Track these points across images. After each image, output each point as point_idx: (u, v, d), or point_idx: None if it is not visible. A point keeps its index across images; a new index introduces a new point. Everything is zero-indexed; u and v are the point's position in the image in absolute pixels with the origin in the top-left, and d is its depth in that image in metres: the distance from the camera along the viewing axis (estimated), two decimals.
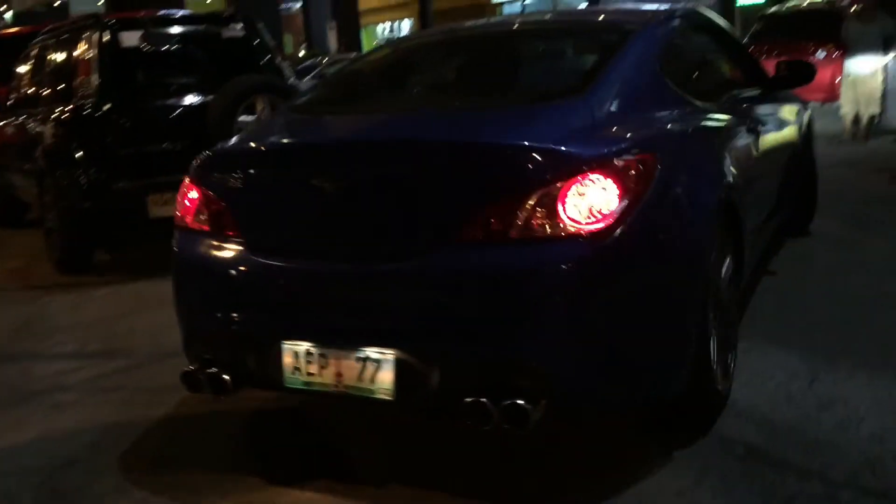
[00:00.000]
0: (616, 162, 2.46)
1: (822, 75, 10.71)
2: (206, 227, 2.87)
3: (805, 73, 4.06)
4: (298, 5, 36.97)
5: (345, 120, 3.24)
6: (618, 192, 2.40)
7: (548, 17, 5.05)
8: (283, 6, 39.62)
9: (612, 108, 2.75)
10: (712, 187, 2.92)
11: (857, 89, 8.85)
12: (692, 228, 2.70)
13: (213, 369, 2.75)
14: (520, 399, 2.33)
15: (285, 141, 3.14)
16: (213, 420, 3.29)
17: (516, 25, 4.14)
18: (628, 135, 2.65)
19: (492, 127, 2.69)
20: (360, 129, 3.08)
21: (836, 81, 9.54)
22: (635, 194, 2.44)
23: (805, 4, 12.04)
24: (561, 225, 2.37)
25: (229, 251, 2.78)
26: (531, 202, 2.38)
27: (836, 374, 3.14)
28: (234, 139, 3.16)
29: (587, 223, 2.37)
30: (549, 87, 3.24)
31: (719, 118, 3.33)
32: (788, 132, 4.47)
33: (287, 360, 2.62)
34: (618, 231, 2.39)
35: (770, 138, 3.96)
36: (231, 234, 2.79)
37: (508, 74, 3.64)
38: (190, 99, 5.79)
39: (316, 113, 3.38)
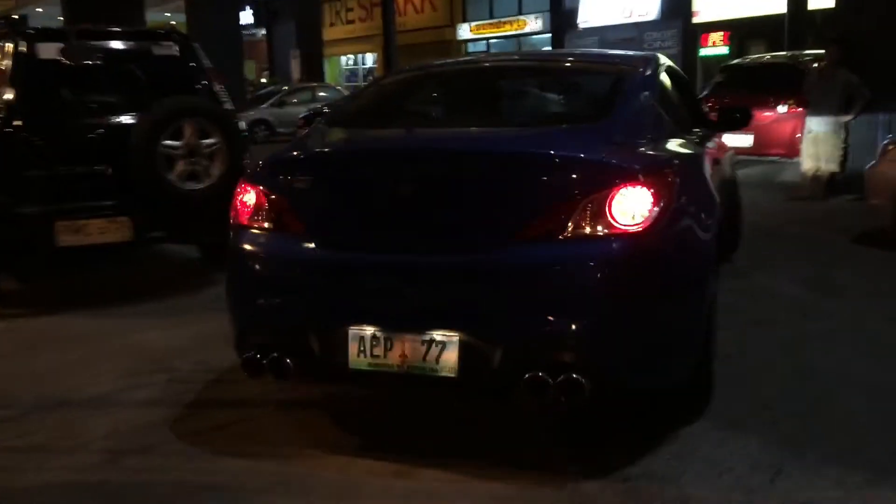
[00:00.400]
0: (649, 174, 2.89)
1: (783, 130, 10.70)
2: (269, 225, 3.18)
3: (743, 117, 4.47)
4: (263, 32, 36.61)
5: (402, 132, 3.65)
6: (652, 199, 2.83)
7: (555, 55, 5.75)
8: (248, 32, 39.31)
9: (631, 132, 3.23)
10: (712, 199, 3.48)
11: (818, 146, 8.69)
12: (704, 232, 3.20)
13: (275, 354, 3.01)
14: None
15: (356, 148, 3.49)
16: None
17: (532, 61, 4.79)
18: (651, 152, 3.18)
19: (547, 141, 3.18)
20: (427, 139, 3.47)
21: (797, 137, 9.38)
22: (665, 202, 2.87)
23: (768, 58, 11.86)
24: (608, 226, 2.80)
25: (296, 246, 3.08)
26: (583, 206, 2.81)
27: (803, 468, 2.77)
28: (291, 146, 3.59)
29: (630, 225, 2.80)
30: (573, 113, 3.82)
31: (700, 147, 3.90)
32: (729, 167, 5.28)
33: (352, 343, 2.91)
34: (653, 232, 2.82)
35: (722, 170, 4.63)
36: (297, 230, 3.10)
37: (533, 101, 4.15)
38: (112, 119, 5.32)
39: (362, 125, 3.80)
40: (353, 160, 3.28)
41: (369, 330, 2.90)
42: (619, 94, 3.51)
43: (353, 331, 2.91)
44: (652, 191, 2.84)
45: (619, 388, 2.94)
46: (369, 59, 30.33)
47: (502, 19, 24.42)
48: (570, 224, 2.81)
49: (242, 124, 6.14)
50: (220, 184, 5.29)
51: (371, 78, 29.77)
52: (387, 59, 21.23)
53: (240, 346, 3.16)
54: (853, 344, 4.01)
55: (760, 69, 11.14)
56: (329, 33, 31.34)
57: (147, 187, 5.13)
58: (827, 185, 8.77)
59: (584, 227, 2.81)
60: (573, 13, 21.88)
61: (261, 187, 3.22)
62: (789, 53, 11.81)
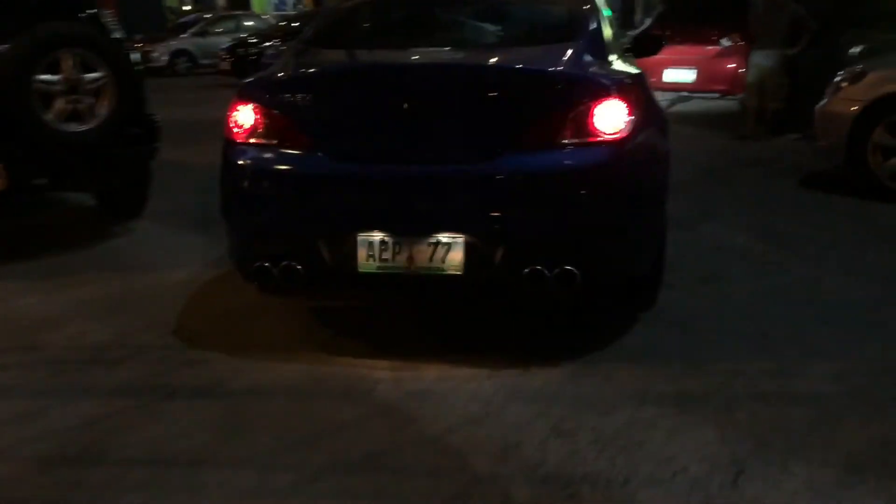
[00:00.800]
0: (622, 89, 3.28)
1: (726, 65, 10.27)
2: (273, 141, 3.36)
3: (654, 45, 4.50)
4: None
5: (401, 51, 3.80)
6: (627, 111, 3.20)
7: None
8: None
9: (595, 52, 3.61)
10: (662, 111, 3.95)
11: (763, 81, 8.32)
12: (664, 139, 3.64)
13: (286, 262, 3.23)
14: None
15: (362, 66, 3.79)
16: None
17: None
18: (619, 70, 3.57)
19: (535, 59, 3.53)
20: (429, 56, 3.70)
21: (741, 72, 9.00)
22: (635, 113, 3.24)
23: None
24: (594, 134, 3.18)
25: (305, 160, 3.31)
26: (570, 117, 3.18)
27: (768, 464, 2.40)
28: (281, 65, 3.75)
29: (610, 133, 3.18)
30: (541, 36, 3.99)
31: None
32: None
33: (361, 249, 3.19)
34: (629, 139, 3.20)
35: None
36: (304, 145, 3.32)
37: (498, 23, 4.26)
38: None
39: (349, 46, 4.02)
40: (359, 78, 3.55)
41: (378, 235, 3.20)
42: (576, 19, 3.89)
43: (362, 237, 3.19)
44: (626, 104, 3.22)
45: (603, 277, 3.33)
46: None
47: None
48: (560, 133, 3.19)
49: (136, 56, 5.41)
50: (109, 124, 4.66)
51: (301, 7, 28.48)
52: None
53: (245, 258, 3.40)
54: (814, 308, 3.64)
55: (705, 0, 10.67)
56: None
57: (20, 128, 4.45)
58: (771, 123, 8.45)
59: (572, 136, 3.19)
60: None
61: (262, 105, 3.39)
62: None
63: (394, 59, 3.68)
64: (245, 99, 3.42)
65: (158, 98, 5.90)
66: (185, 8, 35.18)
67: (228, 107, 3.48)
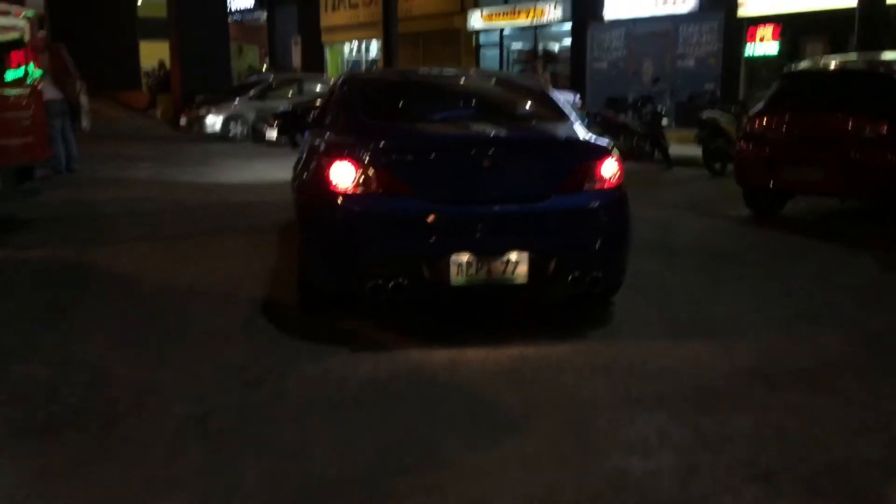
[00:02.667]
0: (612, 150, 5.00)
1: (876, 165, 7.69)
2: (378, 191, 4.62)
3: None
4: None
5: (465, 125, 5.32)
6: (618, 166, 4.91)
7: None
8: (252, 16, 36.94)
9: (581, 126, 5.41)
10: None
11: None
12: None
13: (397, 280, 4.54)
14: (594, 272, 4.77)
15: (447, 138, 5.08)
16: None
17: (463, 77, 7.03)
18: (602, 138, 5.34)
19: (561, 132, 5.23)
20: (488, 128, 5.17)
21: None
22: (621, 167, 4.97)
23: (848, 62, 8.73)
24: (604, 182, 4.85)
25: (405, 202, 4.59)
26: (590, 170, 4.83)
27: None
28: (378, 134, 4.96)
29: (612, 181, 4.87)
30: (539, 114, 5.74)
31: None
32: None
33: (453, 267, 4.54)
34: (621, 184, 4.93)
35: None
36: (403, 192, 4.62)
37: (501, 105, 5.98)
38: None
39: (399, 118, 5.54)
40: (445, 146, 4.88)
41: (465, 256, 4.55)
42: (555, 102, 5.77)
43: (454, 258, 4.53)
44: (616, 160, 4.94)
45: (615, 280, 5.03)
46: (374, 47, 27.76)
47: (517, 7, 21.86)
48: (585, 182, 4.82)
49: None
50: None
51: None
52: (387, 49, 18.73)
53: (360, 279, 4.59)
54: None
55: (838, 78, 8.45)
56: (331, 18, 29.12)
57: None
58: None
59: (592, 183, 4.82)
60: (598, 3, 19.22)
61: (361, 163, 4.63)
62: (872, 57, 9.12)
63: (468, 132, 5.13)
64: (351, 158, 4.65)
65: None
66: (264, 69, 34.77)
67: (325, 164, 4.77)
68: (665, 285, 6.01)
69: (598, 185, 4.78)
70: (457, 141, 4.91)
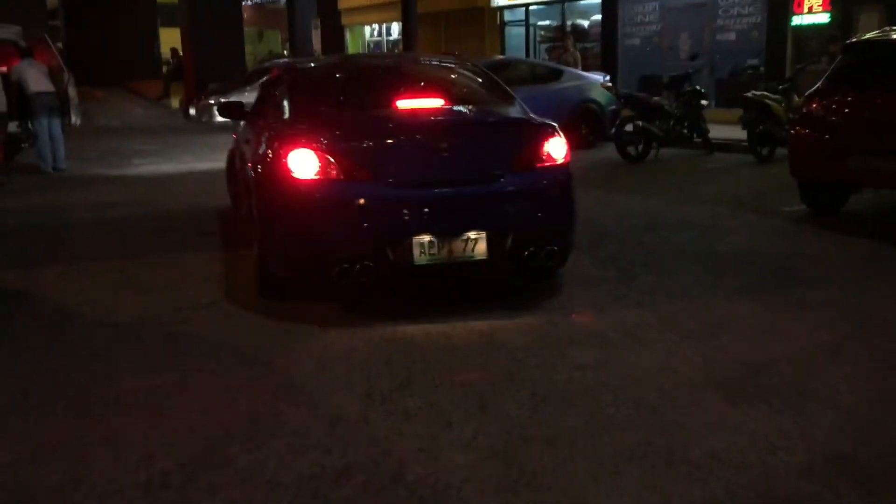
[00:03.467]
0: (557, 129, 5.26)
1: None
2: (340, 177, 4.73)
3: None
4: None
5: (392, 111, 5.29)
6: (564, 144, 5.20)
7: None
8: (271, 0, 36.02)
9: (525, 108, 5.68)
10: None
11: None
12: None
13: (363, 262, 4.71)
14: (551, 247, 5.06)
15: (397, 119, 5.16)
16: None
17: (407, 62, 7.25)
18: (547, 119, 5.51)
19: (512, 112, 5.54)
20: (436, 115, 5.31)
21: None
22: (568, 145, 5.26)
23: None
24: (553, 160, 5.11)
25: (367, 188, 4.73)
26: (538, 149, 5.08)
27: None
28: (334, 121, 5.20)
29: (561, 159, 5.15)
30: (487, 98, 5.94)
31: None
32: None
33: (416, 248, 4.73)
34: (568, 162, 5.21)
35: None
36: (364, 178, 4.75)
37: (449, 90, 6.02)
38: None
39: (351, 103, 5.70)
40: (402, 131, 4.98)
41: (427, 238, 4.74)
42: (501, 85, 6.10)
43: (416, 239, 4.72)
44: (563, 138, 5.22)
45: (567, 252, 5.26)
46: (395, 29, 26.60)
47: None
48: (533, 161, 5.07)
49: None
50: None
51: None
52: (406, 30, 17.57)
53: (327, 264, 4.74)
54: None
55: None
56: (350, 0, 27.71)
57: None
58: None
59: (541, 161, 5.08)
60: None
61: (320, 151, 4.73)
62: None
63: (414, 114, 5.23)
64: (308, 146, 4.77)
65: None
66: (284, 53, 33.80)
67: (284, 153, 4.82)
68: (711, 318, 4.81)
69: (547, 164, 5.10)
70: (413, 126, 5.04)
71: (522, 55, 20.73)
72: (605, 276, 5.78)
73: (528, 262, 5.00)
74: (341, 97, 5.72)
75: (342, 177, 4.69)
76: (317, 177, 4.69)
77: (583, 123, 13.20)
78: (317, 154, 4.70)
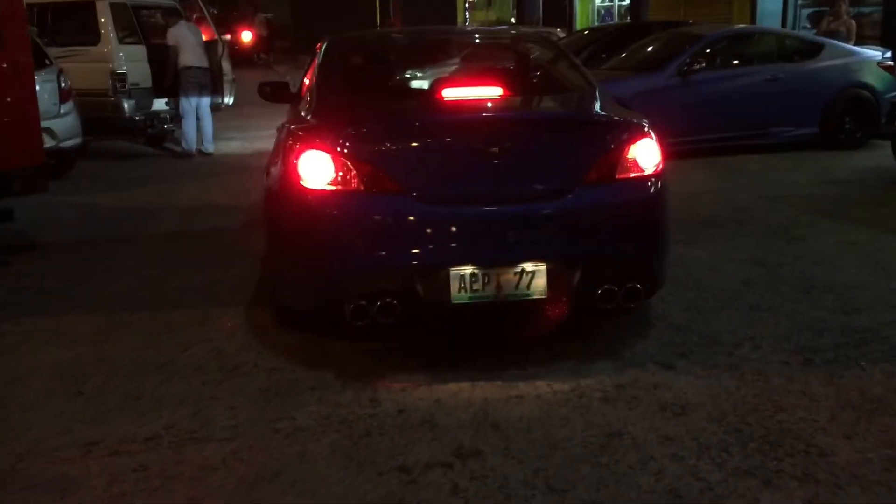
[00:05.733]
0: (648, 129, 4.00)
1: None
2: (360, 188, 3.68)
3: None
4: None
5: (470, 102, 4.18)
6: (657, 148, 3.95)
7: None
8: None
9: (605, 98, 4.47)
10: None
11: None
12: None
13: (384, 299, 3.62)
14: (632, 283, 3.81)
15: (438, 114, 4.10)
16: None
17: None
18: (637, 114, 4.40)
19: (583, 107, 4.44)
20: (504, 109, 4.23)
21: None
22: (663, 150, 4.02)
23: None
24: (640, 170, 3.89)
25: (394, 203, 3.67)
26: (622, 155, 3.86)
27: None
28: (362, 115, 4.10)
29: (651, 168, 3.91)
30: (558, 84, 4.91)
31: None
32: None
33: (454, 282, 3.64)
34: (661, 172, 3.97)
35: None
36: (391, 189, 3.68)
37: (511, 74, 5.17)
38: None
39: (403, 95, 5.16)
40: (444, 130, 3.85)
41: (468, 269, 3.65)
42: (578, 66, 4.88)
43: (455, 271, 3.64)
44: (657, 141, 3.96)
45: (654, 291, 4.09)
46: None
47: None
48: (614, 170, 3.83)
49: None
50: None
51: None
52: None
53: (338, 299, 3.66)
54: None
55: None
56: None
57: None
58: None
59: (624, 172, 3.85)
60: None
61: (343, 154, 3.68)
62: None
63: (472, 110, 4.06)
64: (323, 146, 3.71)
65: None
66: (512, 21, 31.96)
67: (293, 154, 3.80)
68: None
69: (632, 174, 3.90)
70: (458, 123, 3.98)
71: (777, 24, 17.26)
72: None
73: (602, 302, 3.80)
74: (377, 83, 4.95)
75: (363, 187, 3.70)
76: (331, 186, 3.71)
77: (847, 115, 10.00)
78: (333, 158, 3.71)
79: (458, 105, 4.16)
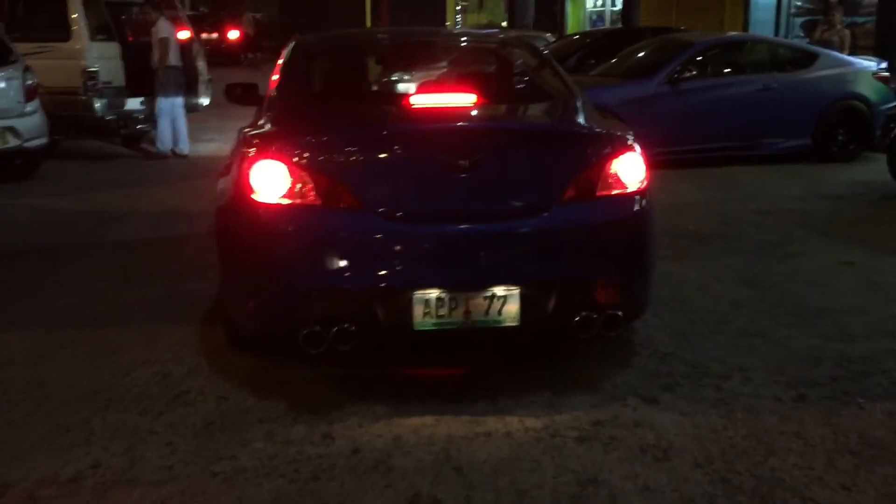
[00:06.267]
0: (633, 142, 3.67)
1: None
2: (316, 202, 3.36)
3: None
4: None
5: (439, 108, 3.81)
6: (643, 163, 3.62)
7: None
8: None
9: (587, 109, 4.11)
10: None
11: None
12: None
13: (341, 325, 3.29)
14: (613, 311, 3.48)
15: (404, 123, 3.77)
16: None
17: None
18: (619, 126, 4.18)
19: (564, 117, 4.14)
20: (478, 117, 3.84)
21: None
22: (648, 165, 3.67)
23: None
24: (623, 186, 3.56)
25: (353, 219, 3.37)
26: (602, 169, 3.54)
27: None
28: (321, 123, 3.77)
29: (635, 185, 3.58)
30: (536, 92, 4.71)
31: None
32: None
33: (417, 306, 3.32)
34: (646, 190, 3.64)
35: None
36: (349, 204, 3.37)
37: (486, 79, 4.91)
38: None
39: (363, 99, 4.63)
40: (409, 140, 3.54)
41: (433, 293, 3.32)
42: (559, 72, 4.48)
43: (418, 295, 3.31)
44: (641, 155, 3.66)
45: (635, 318, 3.81)
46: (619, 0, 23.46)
47: None
48: (595, 187, 3.52)
49: None
50: None
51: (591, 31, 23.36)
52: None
53: (291, 324, 3.33)
54: None
55: None
56: None
57: None
58: None
59: (606, 189, 3.53)
60: None
61: (297, 164, 3.35)
62: None
63: (442, 118, 3.68)
64: (278, 156, 3.38)
65: None
66: (503, 25, 31.71)
67: (245, 164, 3.47)
68: None
69: (614, 191, 3.58)
70: (424, 133, 3.61)
71: (770, 32, 17.04)
72: None
73: (580, 330, 3.49)
74: (343, 87, 4.70)
75: (320, 202, 3.38)
76: (285, 200, 3.37)
77: (841, 127, 9.75)
78: (289, 168, 3.38)
79: (426, 113, 3.82)
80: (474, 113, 3.89)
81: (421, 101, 3.97)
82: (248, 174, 3.44)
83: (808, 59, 10.12)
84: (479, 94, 4.04)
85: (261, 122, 3.94)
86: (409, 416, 3.33)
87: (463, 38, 5.80)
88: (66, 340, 4.17)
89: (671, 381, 3.67)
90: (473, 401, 3.47)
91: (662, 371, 3.77)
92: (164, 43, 10.15)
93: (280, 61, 4.51)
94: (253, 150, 3.53)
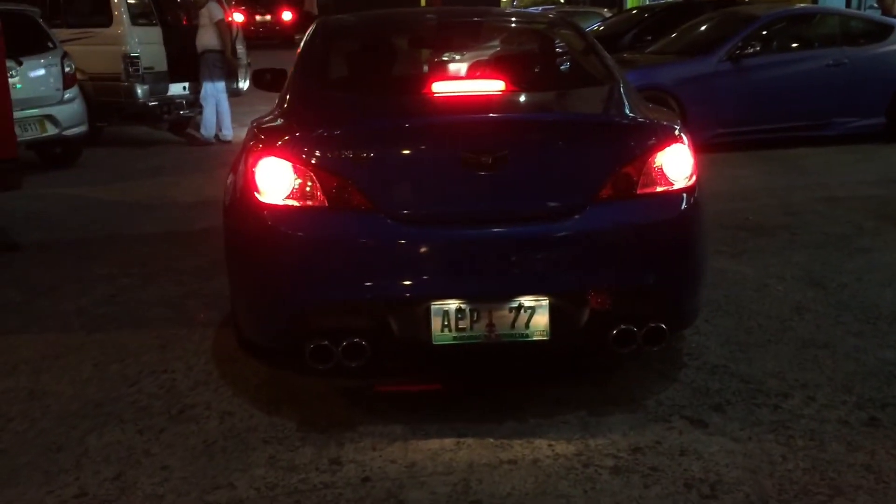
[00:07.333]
0: (680, 132, 3.28)
1: None
2: (324, 203, 3.06)
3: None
4: None
5: (462, 98, 3.50)
6: (691, 157, 3.24)
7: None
8: None
9: (631, 94, 3.71)
10: None
11: None
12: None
13: (351, 339, 3.00)
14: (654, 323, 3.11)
15: (422, 115, 3.41)
16: None
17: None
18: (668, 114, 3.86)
19: (600, 106, 3.75)
20: (502, 108, 3.47)
21: None
22: (696, 159, 3.30)
23: None
24: (668, 183, 3.18)
25: (364, 223, 3.05)
26: (644, 164, 3.15)
27: None
28: (331, 117, 3.43)
29: (682, 182, 3.20)
30: (571, 77, 4.47)
31: None
32: None
33: (435, 319, 3.01)
34: (695, 187, 3.24)
35: None
36: (360, 206, 3.05)
37: (517, 64, 4.39)
38: None
39: (383, 90, 4.04)
40: (427, 135, 3.21)
41: (453, 304, 3.02)
42: (600, 54, 4.03)
43: (437, 306, 3.01)
44: (690, 147, 3.24)
45: (681, 330, 3.54)
46: None
47: None
48: (635, 184, 3.13)
49: None
50: None
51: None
52: None
53: (297, 337, 3.08)
54: None
55: None
56: None
57: None
58: None
59: (648, 186, 3.15)
60: None
61: (304, 163, 3.09)
62: None
63: (463, 109, 3.37)
64: (283, 154, 3.11)
65: None
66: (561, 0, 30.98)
67: (250, 162, 3.21)
68: None
69: (658, 188, 3.18)
70: (443, 125, 3.24)
71: (841, 4, 16.18)
72: None
73: (617, 345, 3.10)
74: (363, 75, 4.33)
75: (328, 203, 3.08)
76: (290, 201, 3.09)
77: None
78: (294, 167, 3.09)
79: (445, 103, 3.49)
80: (501, 102, 3.55)
81: (443, 89, 3.64)
82: (251, 172, 3.19)
83: (883, 31, 9.47)
84: (509, 81, 3.72)
85: (273, 113, 3.64)
86: (428, 438, 3.03)
87: (498, 18, 5.44)
88: (77, 345, 3.98)
89: (722, 399, 3.29)
90: (500, 421, 3.15)
91: (713, 387, 3.39)
92: (222, 25, 10.03)
93: (300, 46, 4.23)
94: (258, 145, 3.27)
